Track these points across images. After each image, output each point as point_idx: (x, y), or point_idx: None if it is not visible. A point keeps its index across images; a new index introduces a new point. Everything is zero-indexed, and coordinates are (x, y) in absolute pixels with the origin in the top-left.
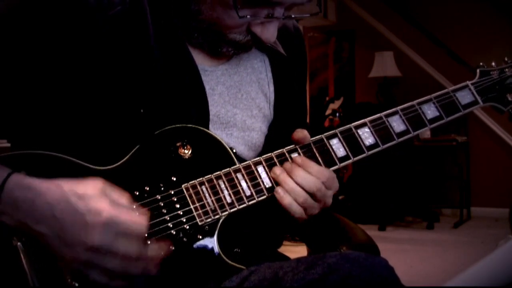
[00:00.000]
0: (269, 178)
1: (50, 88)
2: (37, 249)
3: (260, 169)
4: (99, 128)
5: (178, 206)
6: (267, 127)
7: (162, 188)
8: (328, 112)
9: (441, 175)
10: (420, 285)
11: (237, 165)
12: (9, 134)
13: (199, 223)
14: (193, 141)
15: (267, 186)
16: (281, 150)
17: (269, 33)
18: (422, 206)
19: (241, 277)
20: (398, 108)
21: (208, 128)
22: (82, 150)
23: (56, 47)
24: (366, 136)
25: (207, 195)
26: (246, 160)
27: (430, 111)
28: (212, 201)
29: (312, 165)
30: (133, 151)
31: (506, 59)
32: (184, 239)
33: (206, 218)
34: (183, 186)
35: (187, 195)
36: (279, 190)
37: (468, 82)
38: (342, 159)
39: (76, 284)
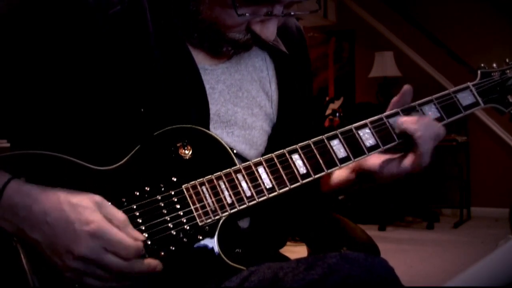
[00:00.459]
0: (270, 179)
1: (50, 88)
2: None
3: (261, 169)
4: (99, 128)
5: (178, 206)
6: (269, 126)
7: (163, 189)
8: (328, 112)
9: (441, 175)
10: (420, 285)
11: (238, 166)
12: (9, 134)
13: (199, 224)
14: (194, 141)
15: (267, 186)
16: (282, 150)
17: (268, 31)
18: (422, 206)
19: (241, 278)
20: (399, 109)
21: (208, 127)
22: (82, 150)
23: (56, 46)
24: (367, 137)
25: (207, 195)
26: (247, 159)
27: (431, 112)
28: (212, 201)
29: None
30: (133, 151)
31: (507, 60)
32: (184, 239)
33: (207, 219)
34: (183, 186)
35: (187, 196)
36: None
37: (469, 83)
38: (342, 160)
39: (76, 285)
